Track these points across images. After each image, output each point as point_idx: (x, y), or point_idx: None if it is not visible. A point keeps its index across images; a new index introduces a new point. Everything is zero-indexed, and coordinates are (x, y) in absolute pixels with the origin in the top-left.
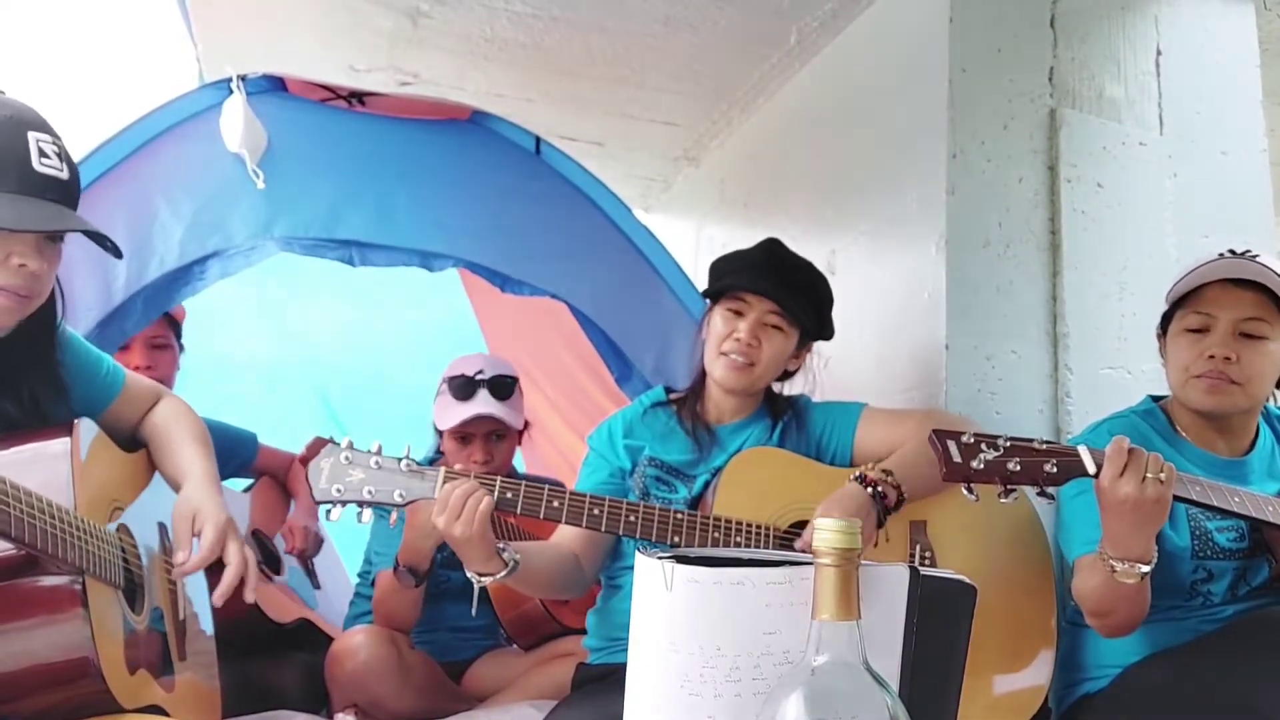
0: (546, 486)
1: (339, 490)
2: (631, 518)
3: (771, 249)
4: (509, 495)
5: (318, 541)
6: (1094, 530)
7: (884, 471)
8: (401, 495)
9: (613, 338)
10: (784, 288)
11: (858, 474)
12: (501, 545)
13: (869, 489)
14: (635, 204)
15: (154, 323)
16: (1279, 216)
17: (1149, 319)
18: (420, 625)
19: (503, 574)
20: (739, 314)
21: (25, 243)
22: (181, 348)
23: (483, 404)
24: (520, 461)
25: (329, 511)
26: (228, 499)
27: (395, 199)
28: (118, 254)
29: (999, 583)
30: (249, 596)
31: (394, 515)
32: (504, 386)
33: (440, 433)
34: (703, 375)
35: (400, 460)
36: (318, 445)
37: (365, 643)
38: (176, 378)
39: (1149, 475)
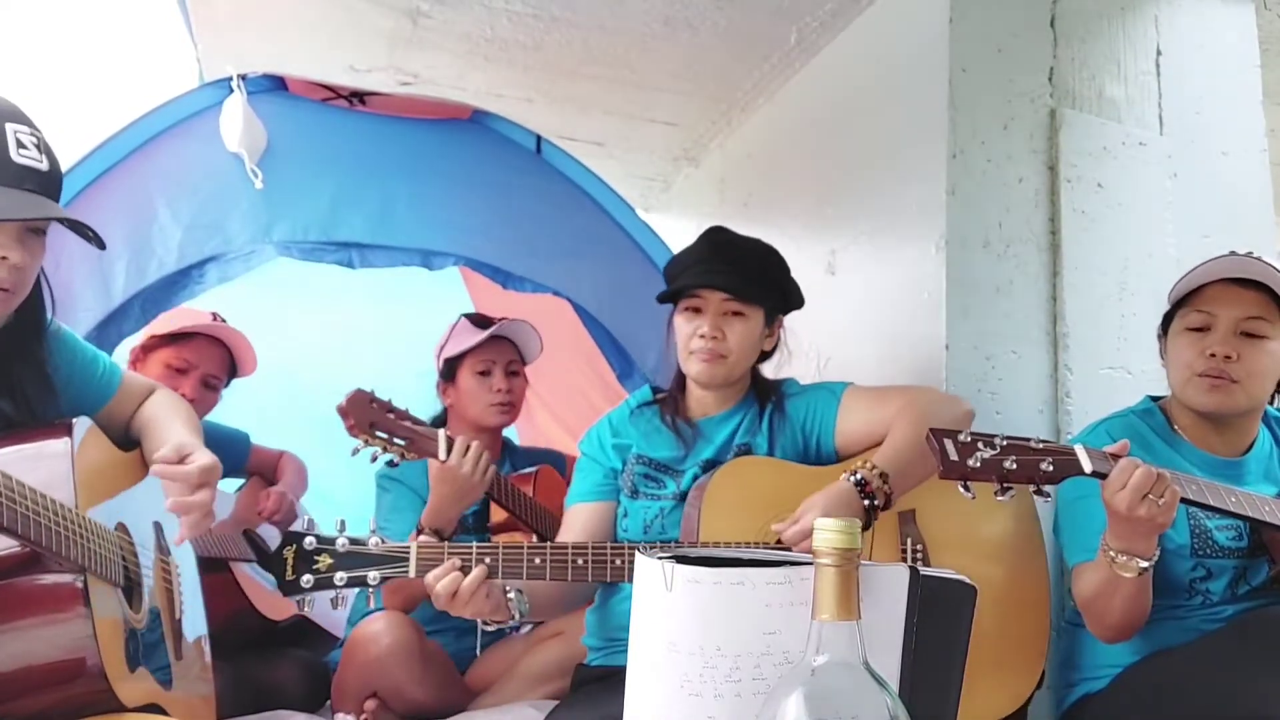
0: (525, 546)
1: (308, 581)
2: (618, 561)
3: (713, 239)
4: (487, 561)
5: (291, 511)
6: (1092, 538)
7: (881, 476)
8: (375, 576)
9: (615, 334)
10: (733, 274)
11: (858, 477)
12: (511, 594)
13: (864, 497)
14: (635, 204)
15: (220, 362)
16: (1279, 216)
17: (1149, 319)
18: (430, 620)
19: (510, 625)
20: (698, 310)
21: (6, 234)
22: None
23: (501, 327)
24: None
25: (300, 604)
26: (218, 499)
27: (396, 198)
28: (100, 245)
29: (990, 570)
30: (182, 532)
31: (371, 598)
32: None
33: (450, 378)
34: (682, 375)
35: (370, 538)
36: (358, 395)
37: (388, 628)
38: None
39: (1149, 496)
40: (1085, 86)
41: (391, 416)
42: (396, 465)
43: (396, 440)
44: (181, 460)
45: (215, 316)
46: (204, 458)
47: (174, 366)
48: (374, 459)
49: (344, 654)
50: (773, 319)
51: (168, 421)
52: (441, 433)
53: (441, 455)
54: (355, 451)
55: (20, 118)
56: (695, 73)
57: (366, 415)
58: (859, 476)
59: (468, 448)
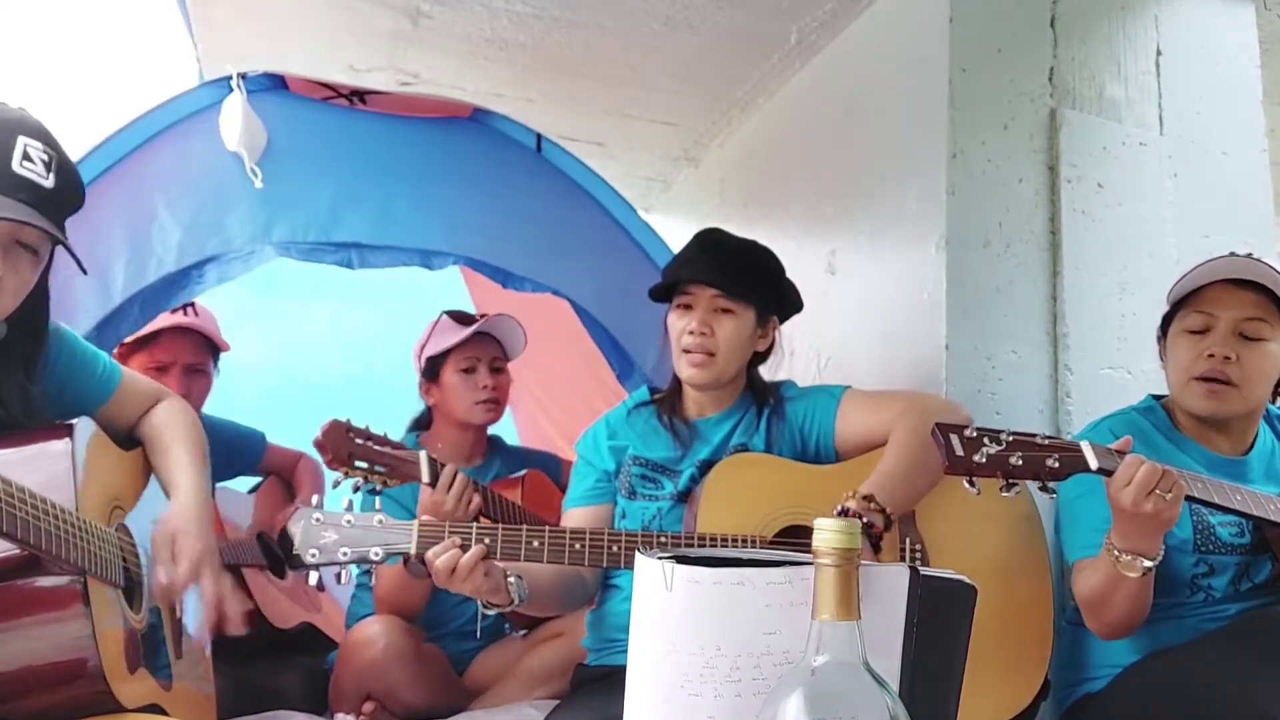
0: (524, 529)
1: (314, 555)
2: (614, 548)
3: (706, 237)
4: (486, 542)
5: None
6: (1094, 534)
7: (865, 499)
8: (378, 552)
9: (614, 334)
10: (722, 271)
11: (839, 509)
12: (511, 578)
13: (868, 539)
14: (635, 204)
15: (195, 348)
16: (1279, 216)
17: (1149, 319)
18: (429, 624)
19: (509, 608)
20: (688, 308)
21: None
22: (217, 371)
23: (484, 323)
24: (514, 436)
25: (306, 577)
26: (232, 500)
27: (396, 197)
28: (82, 269)
29: (989, 571)
30: (231, 629)
31: (374, 578)
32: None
33: (434, 377)
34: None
35: (373, 515)
36: (334, 427)
37: (383, 631)
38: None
39: (1157, 491)
40: (1085, 86)
41: (370, 444)
42: (379, 493)
43: (377, 469)
44: (172, 556)
45: (174, 309)
46: (185, 559)
47: (151, 368)
48: (356, 489)
49: (339, 657)
50: (765, 319)
51: (171, 448)
52: (423, 454)
53: (425, 477)
54: (336, 484)
55: (39, 134)
56: (695, 73)
57: (344, 447)
58: (843, 508)
59: (452, 480)
